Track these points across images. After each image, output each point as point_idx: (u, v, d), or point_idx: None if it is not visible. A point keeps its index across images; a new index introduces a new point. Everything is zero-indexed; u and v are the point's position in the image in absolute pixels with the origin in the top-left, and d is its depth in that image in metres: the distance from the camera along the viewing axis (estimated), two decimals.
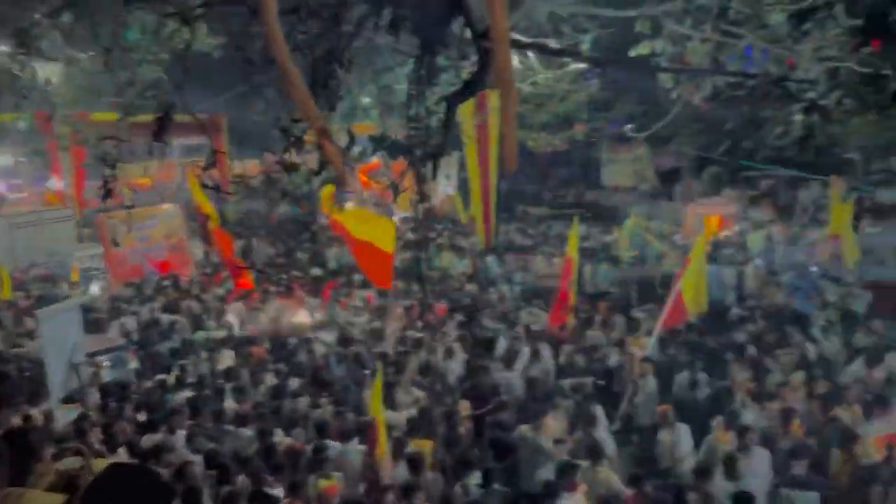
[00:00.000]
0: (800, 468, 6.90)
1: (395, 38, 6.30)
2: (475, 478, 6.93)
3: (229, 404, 9.08)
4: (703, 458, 7.39)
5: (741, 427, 7.45)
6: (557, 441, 7.57)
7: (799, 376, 8.82)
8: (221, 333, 11.86)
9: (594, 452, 7.09)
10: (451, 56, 7.84)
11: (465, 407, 8.60)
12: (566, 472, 6.65)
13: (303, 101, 3.65)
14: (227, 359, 10.70)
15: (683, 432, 8.02)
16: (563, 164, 24.04)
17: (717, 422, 7.80)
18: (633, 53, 7.91)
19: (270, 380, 9.84)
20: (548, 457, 7.44)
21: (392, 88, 15.45)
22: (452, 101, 6.56)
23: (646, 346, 9.91)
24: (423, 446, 7.45)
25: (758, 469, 7.04)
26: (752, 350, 9.95)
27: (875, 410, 7.98)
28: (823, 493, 6.66)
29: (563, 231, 20.38)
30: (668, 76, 8.96)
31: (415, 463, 6.95)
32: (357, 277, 14.41)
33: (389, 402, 8.68)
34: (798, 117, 5.33)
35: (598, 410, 8.43)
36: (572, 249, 10.98)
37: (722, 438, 7.55)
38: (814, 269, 13.44)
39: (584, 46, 8.87)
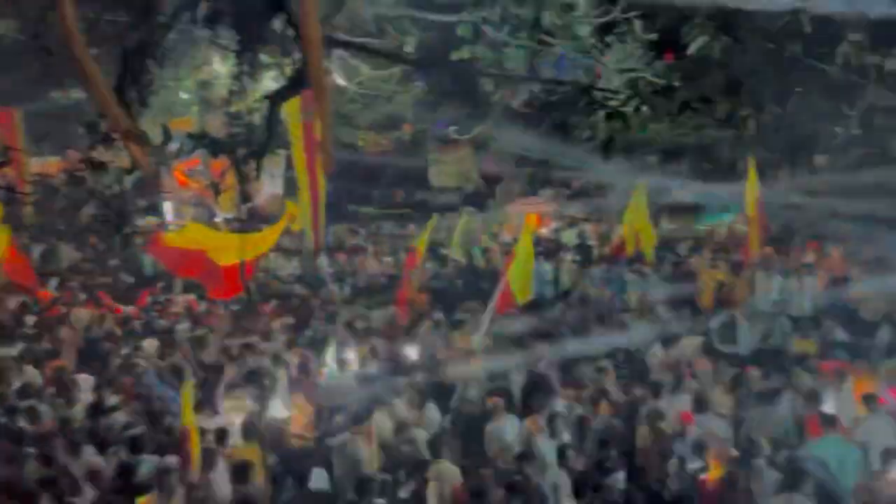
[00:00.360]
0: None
1: (214, 31, 6.08)
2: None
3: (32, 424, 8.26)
4: (522, 445, 7.79)
5: (552, 414, 7.99)
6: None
7: (606, 362, 9.59)
8: (14, 351, 10.70)
9: (437, 448, 7.29)
10: (275, 53, 7.68)
11: (307, 413, 8.52)
12: (417, 468, 6.83)
13: (101, 96, 3.42)
14: (27, 375, 9.72)
15: (509, 423, 8.38)
16: (392, 165, 24.28)
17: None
18: (454, 57, 8.17)
19: (84, 396, 9.09)
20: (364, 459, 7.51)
21: (211, 83, 14.82)
22: (276, 98, 6.45)
23: (474, 341, 10.29)
24: (249, 455, 7.25)
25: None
26: (570, 339, 10.69)
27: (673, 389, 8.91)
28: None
29: (394, 231, 20.62)
30: (488, 80, 9.31)
31: (241, 472, 6.75)
32: (178, 283, 13.72)
33: (213, 411, 8.36)
34: (602, 123, 5.79)
35: (432, 408, 8.65)
36: (421, 243, 11.18)
37: (534, 427, 7.98)
38: (621, 262, 14.63)
39: (408, 48, 9.05)
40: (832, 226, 16.97)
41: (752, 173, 12.47)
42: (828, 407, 8.19)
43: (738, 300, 12.27)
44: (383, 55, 9.18)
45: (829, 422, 7.61)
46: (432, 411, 8.72)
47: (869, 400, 8.13)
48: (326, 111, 3.53)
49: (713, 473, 7.32)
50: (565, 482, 7.14)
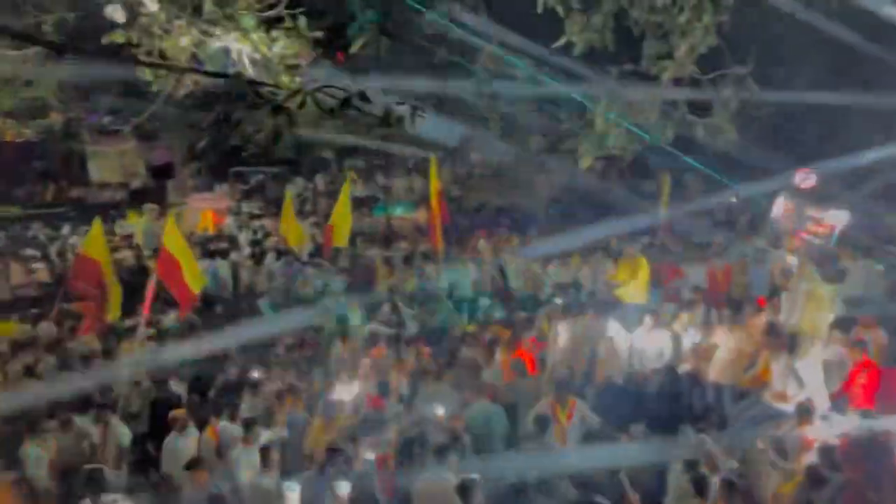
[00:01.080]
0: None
1: None
2: None
3: None
4: (200, 454, 7.48)
5: (247, 419, 7.84)
6: None
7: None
8: None
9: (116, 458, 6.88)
10: None
11: None
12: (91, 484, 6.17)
13: None
14: None
15: (192, 433, 8.01)
16: (39, 157, 21.34)
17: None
18: (105, 41, 7.43)
19: None
20: None
21: None
22: None
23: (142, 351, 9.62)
24: None
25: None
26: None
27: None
28: None
29: (45, 233, 18.18)
30: (147, 69, 8.66)
31: None
32: None
33: None
34: (268, 119, 5.74)
35: (115, 421, 7.94)
36: (94, 250, 9.93)
37: (212, 434, 7.72)
38: (304, 256, 14.79)
39: (47, 28, 8.00)
40: (487, 216, 19.15)
41: (433, 169, 13.52)
42: (485, 376, 9.26)
43: (409, 287, 13.18)
44: (14, 34, 8.01)
45: (481, 389, 8.60)
46: (118, 426, 7.99)
47: (517, 367, 9.35)
48: None
49: (391, 453, 7.79)
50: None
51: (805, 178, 13.57)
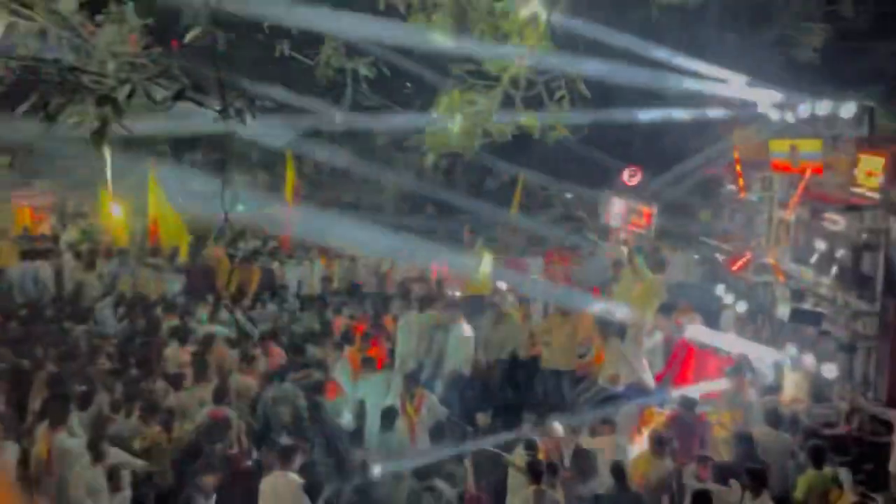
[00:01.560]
0: None
1: None
2: None
3: None
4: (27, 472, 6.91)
5: (93, 435, 7.30)
6: None
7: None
8: None
9: None
10: None
11: None
12: None
13: None
14: None
15: (7, 447, 7.19)
16: None
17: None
18: None
19: None
20: None
21: None
22: None
23: None
24: None
25: None
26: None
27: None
28: None
29: None
30: None
31: None
32: None
33: None
34: (92, 109, 5.34)
35: None
36: None
37: (42, 449, 7.13)
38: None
39: None
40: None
41: (290, 162, 13.16)
42: (333, 372, 9.27)
43: (251, 288, 12.82)
44: None
45: (318, 388, 8.64)
46: None
47: (366, 363, 9.38)
48: None
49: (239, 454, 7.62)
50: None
51: (632, 176, 14.66)
